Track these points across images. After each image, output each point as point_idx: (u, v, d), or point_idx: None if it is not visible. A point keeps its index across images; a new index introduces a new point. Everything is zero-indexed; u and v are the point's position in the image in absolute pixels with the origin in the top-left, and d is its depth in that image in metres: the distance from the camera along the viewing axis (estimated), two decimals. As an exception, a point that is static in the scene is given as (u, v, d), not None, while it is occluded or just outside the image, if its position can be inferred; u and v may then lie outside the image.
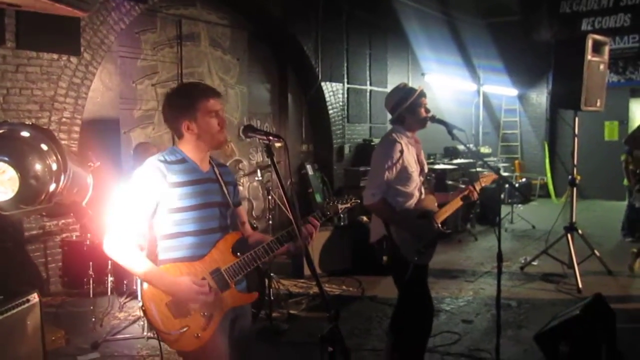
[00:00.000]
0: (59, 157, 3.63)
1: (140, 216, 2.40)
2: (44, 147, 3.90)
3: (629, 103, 13.65)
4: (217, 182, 2.59)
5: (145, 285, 2.41)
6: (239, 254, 2.53)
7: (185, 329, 2.37)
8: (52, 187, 3.78)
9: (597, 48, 6.72)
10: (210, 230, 2.50)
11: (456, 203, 3.70)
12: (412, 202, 3.61)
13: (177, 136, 2.55)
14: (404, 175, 3.56)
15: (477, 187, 3.71)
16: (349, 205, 2.77)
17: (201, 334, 2.40)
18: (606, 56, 6.88)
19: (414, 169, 3.59)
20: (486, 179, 3.85)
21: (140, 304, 2.46)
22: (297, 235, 2.41)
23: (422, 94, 3.67)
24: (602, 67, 6.78)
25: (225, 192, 2.60)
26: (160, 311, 2.39)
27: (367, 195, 3.53)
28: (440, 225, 3.61)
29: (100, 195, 4.56)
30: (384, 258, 3.63)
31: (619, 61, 12.34)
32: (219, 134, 2.52)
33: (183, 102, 2.49)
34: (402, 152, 3.53)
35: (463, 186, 9.93)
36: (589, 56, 6.52)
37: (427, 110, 3.66)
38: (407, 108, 3.63)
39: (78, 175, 4.14)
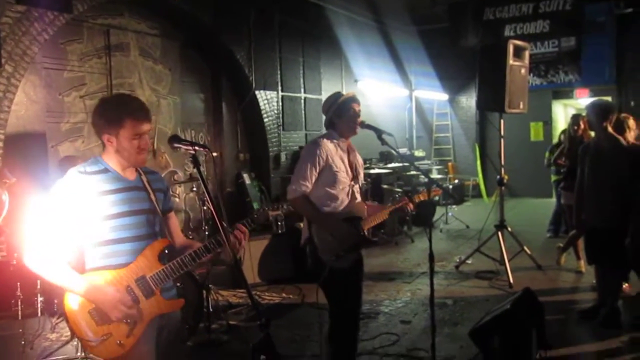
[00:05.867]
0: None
1: (60, 227, 2.39)
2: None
3: (551, 104, 14.33)
4: (143, 190, 2.58)
5: (68, 293, 2.40)
6: (165, 261, 2.53)
7: (107, 337, 2.38)
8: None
9: (518, 53, 7.03)
10: (136, 237, 2.50)
11: (383, 215, 3.81)
12: (338, 205, 3.64)
13: (102, 143, 2.55)
14: (330, 176, 3.61)
15: (416, 200, 3.81)
16: (278, 211, 2.81)
17: (124, 341, 2.40)
18: (527, 60, 7.21)
19: (340, 170, 3.64)
20: (423, 195, 3.89)
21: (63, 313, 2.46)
22: (224, 242, 2.44)
23: (351, 100, 3.74)
24: (523, 71, 7.10)
25: (154, 199, 2.60)
26: (83, 318, 2.39)
27: (289, 190, 3.60)
28: (365, 232, 3.67)
29: (17, 213, 4.39)
30: (309, 261, 3.65)
31: (540, 65, 12.94)
32: (138, 156, 2.52)
33: (109, 115, 2.47)
34: (326, 152, 3.60)
35: (398, 190, 10.17)
36: (511, 61, 6.82)
37: (357, 116, 3.71)
38: (337, 113, 3.71)
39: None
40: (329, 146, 3.65)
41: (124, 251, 2.47)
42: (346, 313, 3.70)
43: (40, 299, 4.90)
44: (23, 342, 4.88)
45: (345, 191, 3.69)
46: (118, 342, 2.40)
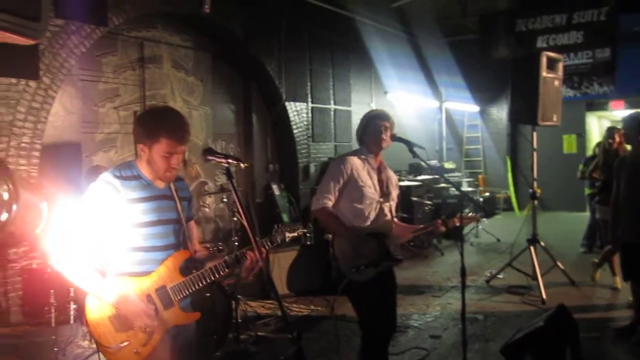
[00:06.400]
0: (11, 185, 3.56)
1: (90, 231, 2.41)
2: (-7, 177, 3.81)
3: (585, 116, 14.07)
4: (172, 199, 2.60)
5: (90, 297, 2.42)
6: (186, 273, 2.55)
7: (125, 344, 2.39)
8: (4, 216, 3.69)
9: (551, 65, 6.93)
10: (163, 247, 2.52)
11: (406, 236, 3.89)
12: (364, 220, 3.68)
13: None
14: (355, 191, 3.66)
15: (449, 225, 3.77)
16: (295, 234, 2.84)
17: (140, 349, 2.42)
18: (560, 72, 7.10)
19: (366, 185, 3.68)
20: (458, 220, 3.80)
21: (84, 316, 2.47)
22: (243, 259, 2.51)
23: (377, 116, 3.79)
24: (556, 82, 6.99)
25: (179, 208, 2.61)
26: (103, 324, 2.40)
27: (313, 201, 3.71)
28: (391, 249, 3.68)
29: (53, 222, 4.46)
30: (333, 274, 3.71)
31: (574, 76, 12.72)
32: (165, 173, 2.53)
33: (147, 126, 2.50)
34: (351, 167, 3.67)
35: (428, 202, 10.06)
36: (544, 73, 6.72)
37: (381, 132, 3.73)
38: (364, 129, 3.80)
39: (31, 203, 4.05)
40: (355, 162, 3.72)
41: (150, 260, 2.50)
42: (372, 326, 3.70)
43: (73, 306, 4.97)
44: (56, 349, 4.95)
45: (372, 207, 3.71)
46: (135, 350, 2.41)
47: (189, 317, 2.61)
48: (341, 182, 3.66)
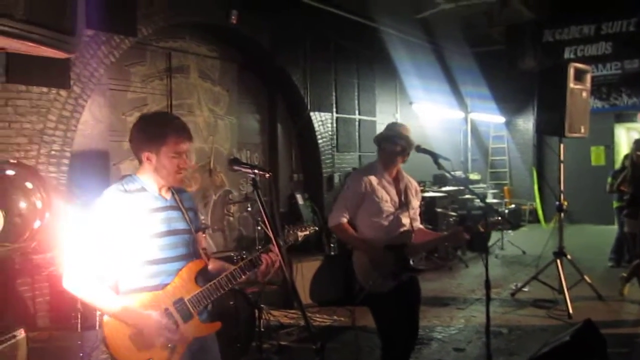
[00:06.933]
0: (44, 194, 3.66)
1: (100, 247, 2.36)
2: (29, 185, 3.92)
3: (614, 128, 13.85)
4: (178, 210, 2.57)
5: (106, 316, 2.36)
6: (201, 283, 2.51)
7: None
8: (37, 224, 3.79)
9: (579, 76, 6.85)
10: (174, 258, 2.48)
11: (432, 243, 4.10)
12: (383, 233, 3.73)
13: (138, 161, 2.53)
14: (373, 206, 3.74)
15: (473, 230, 3.74)
16: (307, 232, 2.82)
17: None
18: (588, 83, 7.01)
19: (382, 200, 3.75)
20: (483, 225, 3.78)
21: (101, 336, 2.41)
22: (259, 263, 2.53)
23: (390, 138, 3.82)
24: (584, 94, 6.91)
25: (187, 219, 2.58)
26: (123, 344, 2.34)
27: (330, 218, 3.86)
28: (411, 261, 3.72)
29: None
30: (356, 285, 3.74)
31: (602, 88, 12.53)
32: (176, 175, 2.50)
33: (152, 131, 2.46)
34: (366, 185, 3.75)
35: (453, 213, 10.00)
36: (571, 84, 6.65)
37: (394, 154, 3.81)
38: (381, 146, 3.87)
39: (62, 212, 4.15)
40: (369, 179, 3.78)
41: (162, 272, 2.44)
42: (392, 338, 3.71)
43: (98, 312, 5.03)
44: (81, 355, 5.02)
45: (389, 219, 3.76)
46: None
47: (209, 328, 2.57)
48: (356, 200, 3.78)
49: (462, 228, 3.80)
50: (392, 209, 3.77)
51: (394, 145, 3.79)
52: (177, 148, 2.44)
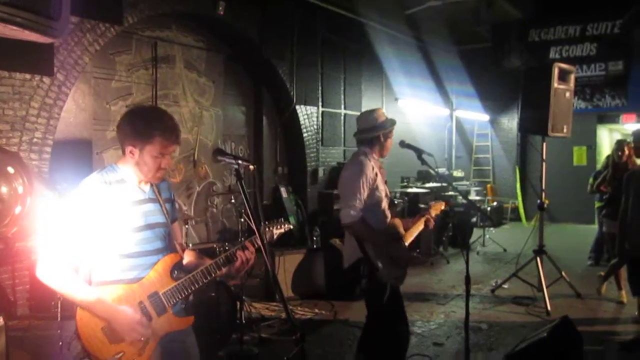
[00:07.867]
0: (26, 179, 3.62)
1: (76, 238, 2.32)
2: (11, 170, 3.87)
3: (596, 129, 14.01)
4: (156, 202, 2.54)
5: (80, 310, 2.32)
6: (176, 277, 2.49)
7: (120, 355, 2.32)
8: (18, 209, 3.75)
9: (563, 76, 6.91)
10: (151, 252, 2.46)
11: (417, 228, 3.85)
12: (384, 224, 3.69)
13: (122, 151, 2.48)
14: (377, 195, 3.63)
15: (433, 215, 3.86)
16: (282, 230, 2.80)
17: (137, 359, 2.36)
18: (572, 84, 7.08)
19: (381, 190, 3.68)
20: (436, 207, 3.98)
21: (74, 328, 2.35)
22: (234, 259, 2.50)
23: (392, 125, 3.79)
24: (568, 94, 6.97)
25: (165, 211, 2.56)
26: (96, 336, 2.32)
27: (346, 214, 3.50)
28: (415, 251, 3.74)
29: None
30: (363, 282, 3.65)
31: (586, 88, 12.69)
32: (156, 173, 2.46)
33: (139, 127, 2.40)
34: (371, 173, 3.62)
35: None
36: (555, 84, 6.71)
37: (390, 142, 3.80)
38: (385, 135, 3.75)
39: (44, 199, 4.11)
40: (371, 165, 3.66)
41: (140, 265, 2.42)
42: (399, 329, 3.76)
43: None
44: (61, 343, 5.00)
45: (385, 210, 3.73)
46: None
47: (182, 322, 2.54)
48: (368, 186, 3.54)
49: (428, 216, 3.86)
50: (385, 200, 3.73)
51: (391, 132, 3.77)
52: (162, 150, 2.40)
